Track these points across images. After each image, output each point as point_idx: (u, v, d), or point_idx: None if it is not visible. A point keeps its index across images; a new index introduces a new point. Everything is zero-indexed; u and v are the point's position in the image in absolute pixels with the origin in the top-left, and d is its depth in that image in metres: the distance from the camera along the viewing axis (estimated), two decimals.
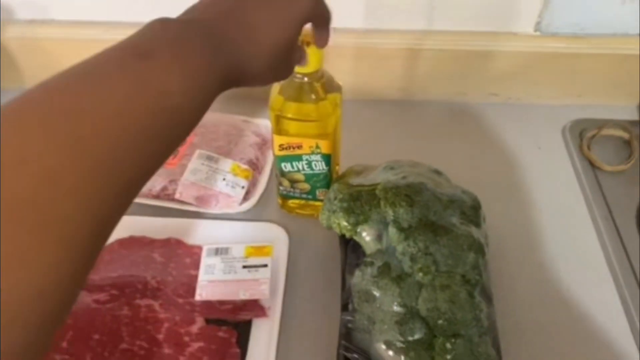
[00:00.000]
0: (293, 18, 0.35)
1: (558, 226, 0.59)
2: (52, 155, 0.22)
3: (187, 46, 0.28)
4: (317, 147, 0.52)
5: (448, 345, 0.42)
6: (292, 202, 0.59)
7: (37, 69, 0.72)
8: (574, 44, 0.67)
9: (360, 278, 0.46)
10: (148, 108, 0.25)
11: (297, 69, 0.47)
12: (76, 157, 0.22)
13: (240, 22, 0.32)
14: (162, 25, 0.29)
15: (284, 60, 0.36)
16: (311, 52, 0.45)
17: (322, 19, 0.39)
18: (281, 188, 0.57)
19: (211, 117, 0.65)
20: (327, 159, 0.53)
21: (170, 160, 0.60)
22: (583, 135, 0.67)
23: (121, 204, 0.25)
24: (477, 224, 0.49)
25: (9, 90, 0.73)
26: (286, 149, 0.53)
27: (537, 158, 0.66)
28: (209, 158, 0.60)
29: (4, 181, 0.20)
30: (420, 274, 0.44)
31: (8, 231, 0.20)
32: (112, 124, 0.24)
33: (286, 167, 0.54)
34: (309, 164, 0.54)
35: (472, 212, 0.49)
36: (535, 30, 0.67)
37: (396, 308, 0.44)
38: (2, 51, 0.71)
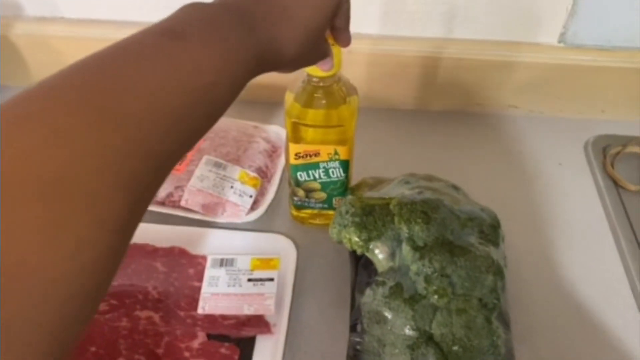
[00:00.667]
0: (325, 2, 0.35)
1: (579, 247, 0.56)
2: (86, 132, 0.21)
3: (220, 26, 0.29)
4: (336, 153, 0.50)
5: None
6: (304, 213, 0.57)
7: (45, 66, 0.70)
8: (599, 56, 0.64)
9: (371, 298, 0.44)
10: (182, 87, 0.25)
11: (315, 72, 0.45)
12: (110, 134, 0.22)
13: (274, 4, 0.33)
14: (194, 8, 0.29)
15: (315, 46, 0.36)
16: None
17: (347, 13, 0.39)
18: (295, 198, 0.55)
19: (221, 122, 0.63)
20: (346, 165, 0.51)
21: (177, 165, 0.58)
22: (606, 152, 0.64)
23: (153, 183, 0.25)
24: (496, 244, 0.46)
25: (16, 87, 0.72)
26: (303, 157, 0.50)
27: (558, 175, 0.63)
28: (217, 165, 0.58)
29: (39, 157, 0.20)
30: (435, 297, 0.42)
31: (46, 206, 0.20)
32: (146, 102, 0.24)
33: (302, 176, 0.52)
34: (326, 171, 0.52)
35: (491, 231, 0.46)
36: (560, 42, 0.65)
37: (408, 331, 0.42)
38: (10, 48, 0.69)
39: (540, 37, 0.65)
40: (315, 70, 0.45)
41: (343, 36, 0.41)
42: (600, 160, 0.64)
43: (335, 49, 0.43)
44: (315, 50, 0.38)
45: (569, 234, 0.57)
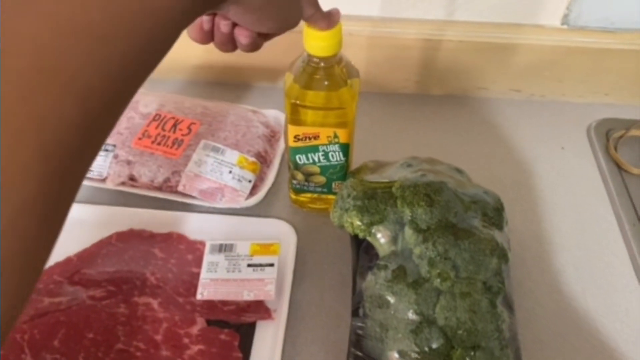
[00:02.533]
0: None
1: (582, 231, 0.55)
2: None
3: None
4: (336, 136, 0.49)
5: (467, 358, 0.39)
6: (303, 197, 0.56)
7: None
8: (603, 38, 0.63)
9: (373, 282, 0.43)
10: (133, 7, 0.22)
11: (316, 52, 0.43)
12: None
13: None
14: None
15: None
16: (330, 34, 0.42)
17: None
18: (294, 182, 0.54)
19: (218, 106, 0.62)
20: (346, 148, 0.50)
21: (173, 150, 0.57)
22: (609, 136, 0.63)
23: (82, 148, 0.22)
24: (500, 227, 0.45)
25: None
26: (302, 139, 0.49)
27: (561, 159, 0.62)
28: (215, 149, 0.57)
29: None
30: (439, 280, 0.41)
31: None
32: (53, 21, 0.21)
33: (301, 159, 0.51)
34: (326, 155, 0.51)
35: (495, 213, 0.46)
36: (563, 23, 0.63)
37: (411, 316, 0.41)
38: None
39: (543, 19, 0.63)
40: (316, 50, 0.44)
41: (318, 20, 0.39)
42: (603, 144, 0.63)
43: (336, 29, 0.42)
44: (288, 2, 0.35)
45: (572, 217, 0.56)
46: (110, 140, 0.58)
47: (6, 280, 0.19)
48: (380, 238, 0.45)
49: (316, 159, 0.51)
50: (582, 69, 0.65)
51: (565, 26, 0.64)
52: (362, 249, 0.47)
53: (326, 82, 0.46)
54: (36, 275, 0.21)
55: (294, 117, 0.48)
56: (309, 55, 0.45)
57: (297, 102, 0.47)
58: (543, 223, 0.56)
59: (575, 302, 0.50)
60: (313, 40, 0.44)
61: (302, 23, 0.40)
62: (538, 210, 0.57)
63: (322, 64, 0.45)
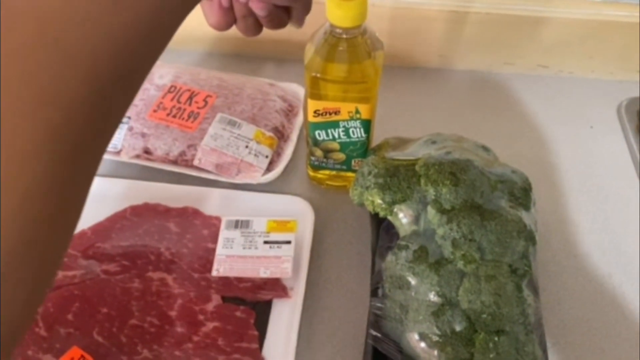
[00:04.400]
0: None
1: (610, 214, 0.53)
2: None
3: None
4: (357, 112, 0.47)
5: (491, 343, 0.38)
6: (322, 173, 0.54)
7: None
8: (637, 11, 0.60)
9: (393, 262, 0.42)
10: None
11: (339, 22, 0.41)
12: None
13: None
14: None
15: None
16: (355, 3, 0.40)
17: None
18: (312, 158, 0.52)
19: (234, 78, 0.61)
20: (367, 124, 0.48)
21: (189, 123, 0.55)
22: None
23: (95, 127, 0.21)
24: (527, 208, 0.44)
25: None
26: (322, 115, 0.48)
27: (589, 138, 0.60)
28: (231, 123, 0.55)
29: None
30: (463, 262, 0.40)
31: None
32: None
33: (320, 135, 0.49)
34: (346, 131, 0.49)
35: (523, 194, 0.44)
36: None
37: (433, 297, 0.40)
38: None
39: None
40: (339, 20, 0.42)
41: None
42: (634, 123, 0.60)
43: None
44: None
45: (600, 199, 0.54)
46: None
47: (20, 268, 0.18)
48: (402, 217, 0.43)
49: (336, 135, 0.50)
50: (615, 44, 0.62)
51: None
52: (383, 228, 0.45)
53: (349, 55, 0.44)
54: (57, 259, 0.20)
55: (314, 91, 0.46)
56: (332, 26, 0.43)
57: (318, 75, 0.45)
58: (570, 204, 0.54)
59: (602, 287, 0.48)
60: (337, 10, 0.42)
61: None
62: (565, 191, 0.55)
63: (345, 35, 0.43)
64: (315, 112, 0.48)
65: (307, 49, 0.45)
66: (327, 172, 0.54)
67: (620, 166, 0.57)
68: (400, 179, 0.43)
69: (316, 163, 0.53)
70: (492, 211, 0.41)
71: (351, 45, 0.43)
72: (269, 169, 0.55)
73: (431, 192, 0.42)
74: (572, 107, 0.63)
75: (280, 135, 0.57)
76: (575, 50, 0.64)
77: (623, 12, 0.60)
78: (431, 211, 0.42)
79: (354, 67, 0.44)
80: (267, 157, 0.55)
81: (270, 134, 0.56)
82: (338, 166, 0.53)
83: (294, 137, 0.58)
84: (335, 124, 0.49)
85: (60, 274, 0.47)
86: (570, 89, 0.65)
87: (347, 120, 0.48)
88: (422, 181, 0.42)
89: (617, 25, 0.61)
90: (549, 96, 0.64)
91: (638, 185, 0.55)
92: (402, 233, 0.43)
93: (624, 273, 0.49)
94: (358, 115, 0.48)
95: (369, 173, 0.44)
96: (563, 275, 0.48)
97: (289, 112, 0.60)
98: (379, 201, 0.43)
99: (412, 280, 0.41)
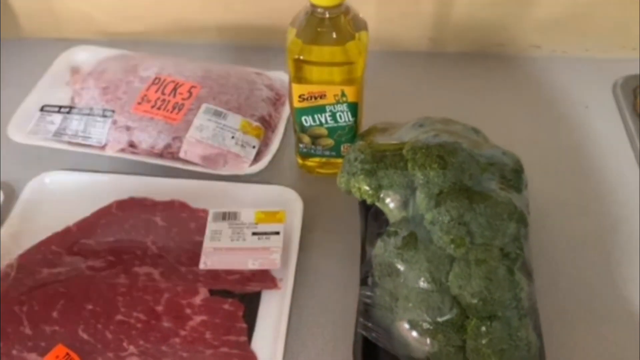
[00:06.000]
0: None
1: (607, 195, 0.52)
2: None
3: None
4: (343, 95, 0.46)
5: (483, 329, 0.37)
6: (311, 161, 0.53)
7: (34, 15, 0.66)
8: None
9: (382, 249, 0.41)
10: None
11: (320, 1, 0.40)
12: None
13: None
14: None
15: None
16: None
17: None
18: (301, 146, 0.51)
19: (220, 68, 0.59)
20: (354, 108, 0.47)
21: (174, 114, 0.54)
22: (637, 93, 0.59)
23: None
24: (519, 190, 0.42)
25: (8, 39, 0.68)
26: (307, 99, 0.47)
27: (585, 118, 0.58)
28: (217, 113, 0.54)
29: None
30: (452, 246, 0.38)
31: None
32: None
33: (307, 120, 0.48)
34: (333, 115, 0.48)
35: (514, 175, 0.42)
36: None
37: (423, 284, 0.38)
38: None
39: None
40: None
41: None
42: (631, 102, 0.59)
43: None
44: None
45: (596, 181, 0.53)
46: (108, 105, 0.56)
47: None
48: (390, 203, 0.42)
49: (323, 120, 0.48)
50: (608, 20, 0.61)
51: None
52: (371, 215, 0.44)
53: (332, 35, 0.43)
54: None
55: (298, 74, 0.45)
56: (313, 6, 0.42)
57: (301, 57, 0.43)
58: (565, 187, 0.53)
59: (598, 269, 0.47)
60: None
61: None
62: (560, 173, 0.54)
63: (327, 15, 0.42)
64: (300, 96, 0.47)
65: (288, 32, 0.44)
66: (316, 159, 0.53)
67: (617, 145, 0.56)
68: (387, 164, 0.42)
69: (305, 150, 0.52)
70: (482, 193, 0.40)
71: (334, 25, 0.42)
72: (256, 159, 0.54)
73: (419, 177, 0.41)
74: (566, 87, 0.61)
75: (268, 124, 0.56)
76: (568, 29, 0.62)
77: None
78: (420, 195, 0.41)
79: (337, 48, 0.43)
80: (254, 147, 0.54)
81: (257, 123, 0.55)
82: (327, 152, 0.52)
83: (281, 127, 0.57)
84: (321, 109, 0.47)
85: (45, 271, 0.46)
86: (563, 69, 0.63)
87: (333, 104, 0.47)
88: (410, 165, 0.41)
89: (611, 1, 0.59)
90: (542, 77, 0.63)
91: (635, 164, 0.54)
92: (391, 219, 0.42)
93: (621, 254, 0.48)
94: (344, 99, 0.47)
95: (355, 159, 0.43)
96: (558, 258, 0.47)
97: (276, 101, 0.59)
98: (366, 187, 0.42)
99: (401, 267, 0.40)
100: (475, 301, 0.37)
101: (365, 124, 0.51)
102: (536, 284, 0.42)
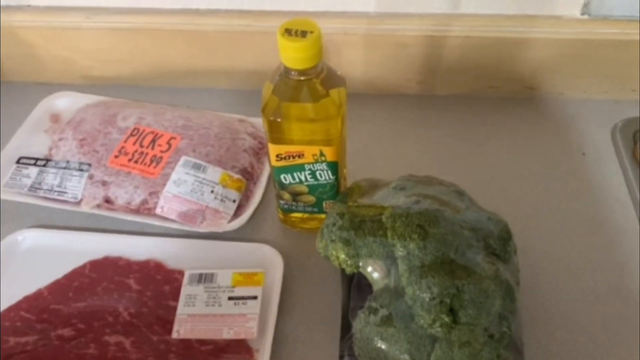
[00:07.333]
0: None
1: (605, 251, 0.49)
2: None
3: None
4: (322, 154, 0.44)
5: None
6: (294, 216, 0.51)
7: (15, 58, 0.65)
8: (628, 29, 0.56)
9: (362, 324, 0.38)
10: None
11: (292, 64, 0.38)
12: None
13: None
14: None
15: None
16: (307, 44, 0.37)
17: None
18: (281, 202, 0.49)
19: (201, 116, 0.58)
20: (334, 167, 0.45)
21: (151, 168, 0.52)
22: (637, 138, 0.57)
23: None
24: (506, 260, 0.40)
25: None
26: (285, 159, 0.45)
27: (582, 165, 0.56)
28: (196, 167, 0.52)
29: None
30: (434, 326, 0.36)
31: None
32: None
33: (286, 178, 0.46)
34: (313, 174, 0.46)
35: (500, 244, 0.40)
36: (583, 14, 0.57)
37: None
38: None
39: (561, 9, 0.57)
40: (293, 62, 0.39)
41: None
42: (630, 148, 0.56)
43: (313, 35, 0.37)
44: None
45: (595, 235, 0.50)
46: (85, 158, 0.54)
47: None
48: (373, 272, 0.40)
49: (303, 178, 0.46)
50: (606, 63, 0.59)
51: (585, 16, 0.57)
52: (354, 285, 0.42)
53: (306, 96, 0.41)
54: None
55: (274, 135, 0.43)
56: (286, 68, 0.40)
57: (275, 118, 0.41)
58: (560, 242, 0.50)
59: (595, 337, 0.44)
60: (288, 52, 0.39)
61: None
62: (555, 226, 0.51)
63: (302, 77, 0.40)
64: (277, 156, 0.45)
65: (265, 88, 0.42)
66: (299, 214, 0.51)
67: (616, 195, 0.53)
68: (366, 232, 0.40)
69: (286, 206, 0.50)
70: (466, 268, 0.37)
71: (308, 85, 0.40)
72: (237, 213, 0.52)
73: (399, 247, 0.38)
74: (563, 131, 0.59)
75: (250, 176, 0.54)
76: (565, 71, 0.60)
77: (613, 30, 0.56)
78: (401, 267, 0.38)
79: (309, 107, 0.41)
80: (234, 201, 0.52)
81: (239, 176, 0.53)
82: (309, 208, 0.50)
83: (263, 178, 0.55)
84: (300, 167, 0.45)
85: (12, 340, 0.44)
86: (560, 112, 0.61)
87: (312, 163, 0.45)
88: (389, 234, 0.39)
89: (607, 43, 0.57)
90: (537, 120, 0.60)
91: (635, 217, 0.51)
92: (374, 286, 0.40)
93: (620, 320, 0.45)
94: (323, 158, 0.44)
95: (334, 225, 0.41)
96: (552, 324, 0.45)
97: (260, 150, 0.57)
98: (344, 257, 0.40)
99: (382, 346, 0.37)
100: None
101: (354, 168, 0.49)
102: (529, 352, 0.40)
